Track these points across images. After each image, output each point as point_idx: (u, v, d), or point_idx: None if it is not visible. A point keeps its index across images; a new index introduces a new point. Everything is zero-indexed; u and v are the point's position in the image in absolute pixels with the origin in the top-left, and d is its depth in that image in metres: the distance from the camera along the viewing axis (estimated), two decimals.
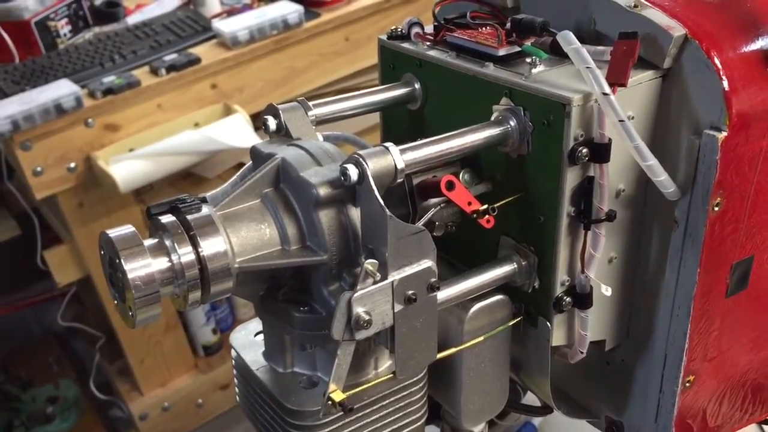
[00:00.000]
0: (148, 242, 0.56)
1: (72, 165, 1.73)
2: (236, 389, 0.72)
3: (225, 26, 1.90)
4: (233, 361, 0.71)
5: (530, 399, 0.85)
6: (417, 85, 0.73)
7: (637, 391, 0.74)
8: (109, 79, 1.75)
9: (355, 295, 0.56)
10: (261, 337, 0.70)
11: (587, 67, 0.58)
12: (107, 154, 1.75)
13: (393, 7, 2.11)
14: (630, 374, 0.74)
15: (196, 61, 1.83)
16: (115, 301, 0.58)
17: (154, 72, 1.80)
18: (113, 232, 0.56)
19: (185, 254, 0.56)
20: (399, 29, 0.74)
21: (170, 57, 1.84)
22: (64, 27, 2.00)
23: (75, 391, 2.07)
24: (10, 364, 2.17)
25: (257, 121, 1.93)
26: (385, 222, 0.56)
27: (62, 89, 1.69)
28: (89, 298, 2.02)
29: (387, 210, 0.56)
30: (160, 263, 0.55)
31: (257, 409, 0.68)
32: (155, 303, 0.55)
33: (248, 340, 0.70)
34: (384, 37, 0.76)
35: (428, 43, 0.72)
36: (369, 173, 0.56)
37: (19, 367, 2.15)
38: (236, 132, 1.84)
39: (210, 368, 2.08)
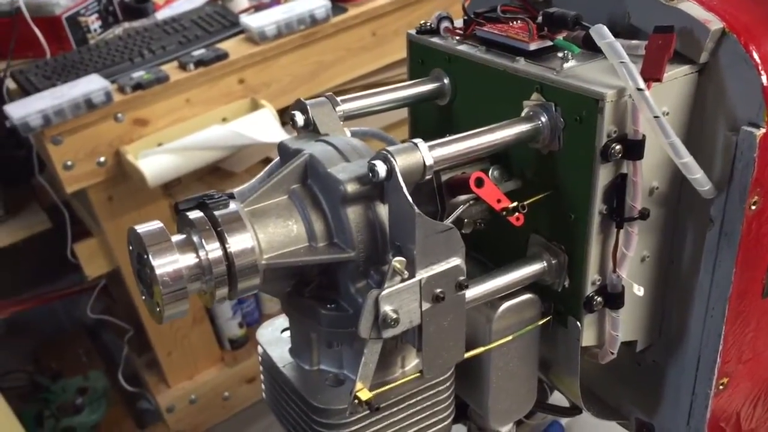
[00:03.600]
0: (176, 238, 0.56)
1: (102, 159, 1.75)
2: (262, 385, 0.72)
3: (252, 21, 1.91)
4: (260, 357, 0.70)
5: (557, 398, 0.84)
6: (446, 81, 0.72)
7: (669, 392, 0.73)
8: (138, 75, 1.77)
9: (383, 293, 0.56)
10: (287, 333, 0.69)
11: (621, 62, 0.57)
12: (136, 148, 1.76)
13: (420, 2, 2.10)
14: (662, 375, 0.73)
15: (224, 56, 1.84)
16: (143, 297, 0.58)
17: (183, 67, 1.81)
18: (141, 228, 0.55)
19: (213, 250, 0.56)
20: (428, 23, 0.73)
21: (198, 52, 1.85)
22: (94, 22, 2.02)
23: (104, 383, 2.10)
24: (40, 356, 2.20)
25: (284, 116, 1.94)
26: (413, 219, 0.55)
27: (92, 84, 1.71)
28: (118, 290, 2.05)
29: (415, 207, 0.55)
30: (188, 259, 0.55)
31: (283, 405, 0.67)
32: (183, 299, 0.55)
33: (275, 337, 0.70)
34: (413, 31, 0.75)
35: (458, 38, 0.71)
36: (397, 170, 0.56)
37: (50, 359, 2.18)
38: (263, 127, 1.84)
39: (236, 362, 2.09)
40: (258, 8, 2.05)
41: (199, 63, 1.81)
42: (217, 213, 0.57)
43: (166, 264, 0.54)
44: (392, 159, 0.56)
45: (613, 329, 0.66)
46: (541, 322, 0.68)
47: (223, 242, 0.56)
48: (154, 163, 1.74)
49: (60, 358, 2.19)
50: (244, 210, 0.58)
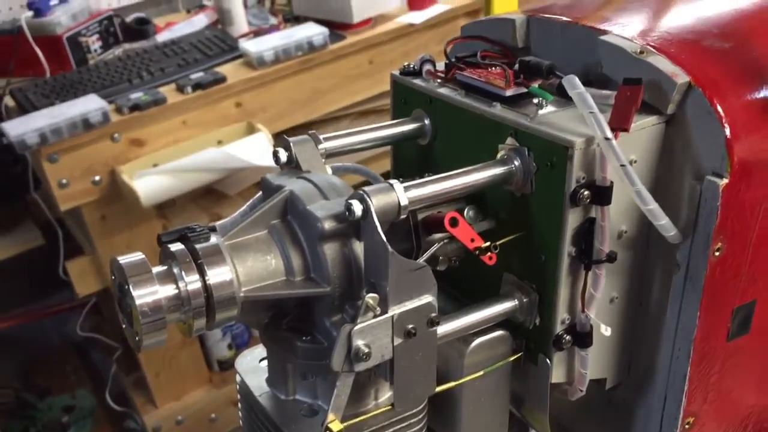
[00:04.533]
0: (157, 269, 0.58)
1: (97, 178, 1.77)
2: (239, 413, 0.73)
3: (251, 46, 1.94)
4: (237, 386, 0.72)
5: None
6: (427, 121, 0.74)
7: (637, 430, 0.75)
8: (137, 96, 1.80)
9: (356, 327, 0.58)
10: (265, 363, 0.71)
11: (590, 112, 0.59)
12: (131, 168, 1.79)
13: (416, 32, 2.13)
14: (630, 414, 0.75)
15: (222, 79, 1.87)
16: (123, 325, 0.60)
17: (180, 89, 1.84)
18: (123, 259, 0.57)
19: (192, 282, 0.58)
20: (411, 65, 0.76)
21: (197, 75, 1.88)
22: (94, 43, 2.05)
23: (91, 402, 2.10)
24: (28, 373, 2.20)
25: (280, 140, 1.96)
26: (386, 258, 0.57)
27: (90, 104, 1.73)
28: (108, 309, 2.06)
29: (389, 246, 0.57)
30: (168, 290, 0.57)
31: None
32: (161, 329, 0.57)
33: (253, 366, 0.72)
34: (396, 72, 0.77)
35: (439, 81, 0.73)
36: (372, 209, 0.58)
37: (37, 376, 2.19)
38: (258, 150, 1.86)
39: (224, 383, 2.10)
40: (257, 33, 2.09)
41: (197, 86, 1.84)
42: (198, 246, 0.59)
43: (145, 295, 0.56)
44: (368, 199, 0.58)
45: (582, 367, 0.68)
46: (512, 358, 0.70)
47: (202, 274, 0.58)
48: (149, 183, 1.76)
49: (48, 375, 2.19)
50: (225, 244, 0.60)
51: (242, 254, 0.61)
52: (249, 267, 0.61)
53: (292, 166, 0.68)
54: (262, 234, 0.63)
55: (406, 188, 0.60)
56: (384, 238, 0.57)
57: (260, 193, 0.68)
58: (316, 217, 0.60)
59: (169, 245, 0.59)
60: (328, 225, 0.60)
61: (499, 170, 0.64)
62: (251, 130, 1.93)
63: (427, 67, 0.74)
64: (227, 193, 2.00)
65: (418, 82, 0.75)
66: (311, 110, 2.05)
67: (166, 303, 0.57)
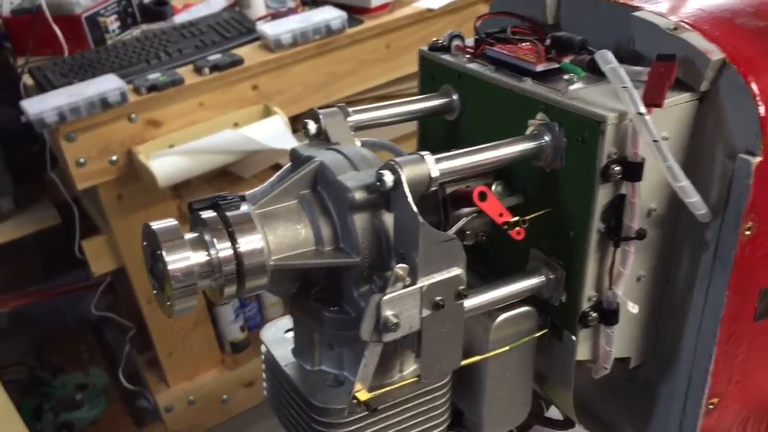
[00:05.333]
0: (189, 236, 0.58)
1: (114, 158, 1.77)
2: (264, 384, 0.74)
3: (269, 29, 1.93)
4: (263, 356, 0.73)
5: (553, 413, 0.85)
6: (455, 97, 0.74)
7: (660, 410, 0.75)
8: (154, 76, 1.80)
9: (385, 297, 0.58)
10: (291, 334, 0.71)
11: (623, 87, 0.59)
12: (148, 149, 1.79)
13: (434, 17, 2.12)
14: (653, 393, 0.75)
15: (239, 61, 1.86)
16: (154, 291, 0.61)
17: (198, 71, 1.84)
18: (156, 225, 0.58)
19: (223, 249, 0.58)
20: (440, 41, 0.76)
21: (214, 57, 1.88)
22: (113, 23, 2.05)
23: (104, 380, 2.11)
24: (42, 350, 2.22)
25: (296, 124, 1.96)
26: (417, 228, 0.57)
27: (108, 84, 1.73)
28: (123, 289, 2.07)
29: (419, 217, 0.57)
30: (199, 257, 0.58)
31: (284, 404, 0.69)
32: (193, 294, 0.57)
33: (278, 337, 0.72)
34: (425, 48, 0.77)
35: (468, 56, 0.73)
36: (404, 180, 0.58)
37: (51, 354, 2.20)
38: (274, 133, 1.86)
39: (236, 365, 2.11)
40: (275, 16, 2.08)
41: (215, 68, 1.84)
42: (229, 214, 0.59)
43: (178, 260, 0.56)
44: (399, 169, 0.58)
45: (607, 345, 0.68)
46: (537, 335, 0.70)
47: (233, 242, 0.58)
48: (165, 164, 1.77)
49: (61, 353, 2.21)
50: (255, 212, 0.61)
51: (272, 223, 0.61)
52: (279, 236, 0.61)
53: (321, 138, 0.68)
54: (292, 204, 0.63)
55: (437, 160, 0.60)
56: (415, 209, 0.57)
57: (289, 164, 0.68)
58: (346, 187, 0.60)
59: (201, 212, 0.59)
60: (358, 195, 0.60)
61: (529, 145, 0.64)
62: (267, 112, 1.93)
63: (456, 42, 0.74)
64: (242, 176, 2.00)
65: (446, 57, 0.75)
66: (327, 94, 2.04)
67: (197, 269, 0.57)
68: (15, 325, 2.23)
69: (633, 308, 0.65)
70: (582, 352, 0.69)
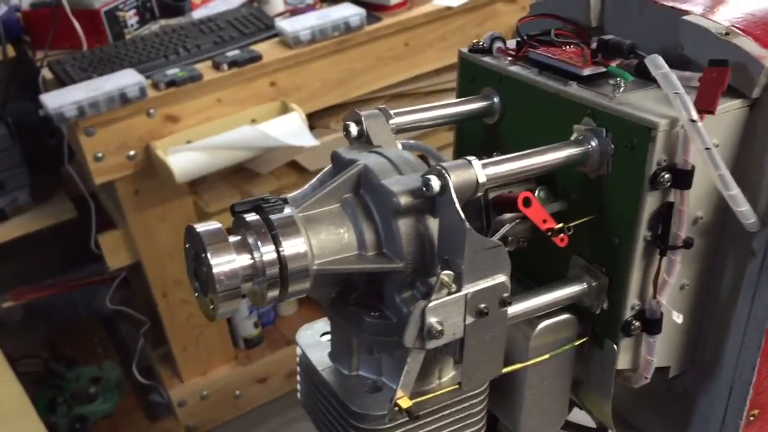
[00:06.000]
0: (233, 239, 0.58)
1: (131, 153, 1.77)
2: (298, 386, 0.73)
3: (287, 25, 1.93)
4: (297, 359, 0.72)
5: (575, 416, 0.84)
6: (496, 100, 0.73)
7: (698, 421, 0.74)
8: (173, 72, 1.79)
9: (430, 304, 0.57)
10: (327, 337, 0.71)
11: (676, 93, 0.58)
12: (165, 144, 1.78)
13: (453, 15, 2.11)
14: (692, 404, 0.74)
15: (258, 58, 1.86)
16: (196, 294, 0.60)
17: (217, 67, 1.84)
18: (201, 227, 0.57)
19: (267, 253, 0.57)
20: (480, 43, 0.75)
21: (232, 53, 1.87)
22: (131, 18, 2.05)
23: (118, 374, 2.11)
24: (57, 343, 2.22)
25: (313, 120, 1.95)
26: (463, 234, 0.56)
27: (128, 79, 1.73)
28: (138, 283, 2.07)
29: (467, 223, 0.56)
30: (243, 260, 0.57)
31: (319, 408, 0.69)
32: (236, 298, 0.56)
33: (314, 340, 0.71)
34: (465, 50, 0.76)
35: (510, 58, 0.72)
36: (451, 185, 0.57)
37: (65, 347, 2.20)
38: (292, 130, 1.86)
39: (249, 361, 2.11)
40: (293, 13, 2.07)
41: (233, 64, 1.83)
42: (272, 216, 0.59)
43: (223, 263, 0.56)
44: (446, 174, 0.57)
45: (648, 354, 0.67)
46: (577, 343, 0.69)
47: (277, 245, 0.58)
48: (183, 159, 1.76)
49: (75, 346, 2.21)
50: (299, 215, 0.60)
51: (315, 227, 0.60)
52: (322, 240, 0.60)
53: (362, 141, 0.68)
54: (335, 207, 0.62)
55: (484, 165, 0.59)
56: (462, 215, 0.57)
57: (329, 166, 0.67)
58: (391, 192, 0.59)
59: (245, 215, 0.59)
60: (403, 200, 0.59)
61: (575, 150, 0.63)
62: (285, 109, 1.92)
63: (498, 44, 0.73)
64: (259, 172, 2.00)
65: (487, 59, 0.74)
66: (345, 91, 2.04)
67: (241, 272, 0.56)
68: (30, 317, 2.23)
69: (678, 318, 0.64)
70: (623, 361, 0.68)
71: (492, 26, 2.15)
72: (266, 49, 1.91)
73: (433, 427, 0.66)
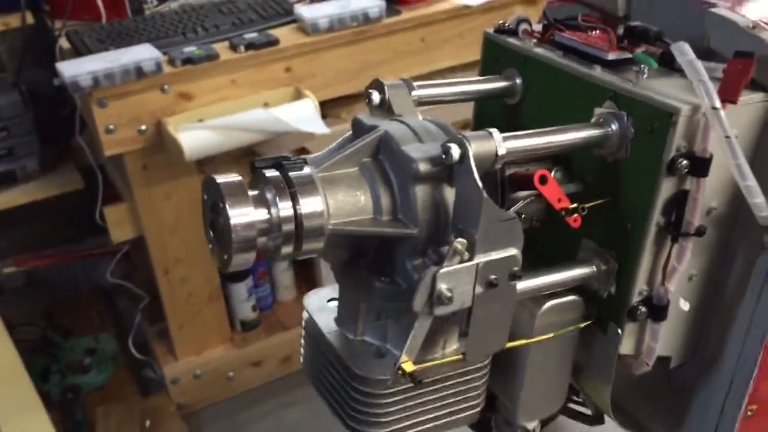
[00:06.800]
0: (251, 192, 0.58)
1: (143, 127, 1.77)
2: (301, 350, 0.73)
3: (307, 12, 1.93)
4: (303, 323, 0.72)
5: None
6: (518, 80, 0.74)
7: (696, 413, 0.74)
8: (190, 49, 1.79)
9: (441, 270, 0.57)
10: (333, 303, 0.71)
11: (700, 80, 0.59)
12: (177, 121, 1.79)
13: (471, 14, 2.11)
14: (690, 395, 0.74)
15: (275, 42, 1.86)
16: (210, 245, 0.60)
17: (234, 48, 1.84)
18: (221, 178, 0.58)
19: (285, 209, 0.58)
20: (506, 24, 0.75)
21: (250, 35, 1.87)
22: None
23: (113, 347, 2.12)
24: (54, 313, 2.22)
25: (325, 110, 1.95)
26: (479, 203, 0.57)
27: (145, 53, 1.73)
28: (139, 258, 2.07)
29: (484, 192, 0.57)
30: (260, 213, 0.57)
31: (322, 371, 0.69)
32: (251, 250, 0.57)
33: (321, 305, 0.72)
34: (490, 30, 0.77)
35: (535, 41, 0.73)
36: (471, 154, 0.58)
37: (63, 317, 2.20)
38: (304, 116, 1.86)
39: (245, 343, 2.11)
40: (313, 0, 2.08)
41: (250, 46, 1.84)
42: (292, 174, 0.59)
43: (240, 214, 0.56)
44: (467, 143, 0.58)
45: (652, 341, 0.67)
46: (582, 325, 0.69)
47: (295, 202, 0.58)
48: (194, 137, 1.76)
49: (72, 317, 2.21)
50: (318, 175, 0.60)
51: (333, 188, 0.61)
52: (339, 200, 0.60)
53: (383, 110, 0.68)
54: (353, 170, 0.63)
55: (504, 138, 0.60)
56: (480, 184, 0.57)
57: (349, 132, 0.68)
58: (411, 158, 0.60)
59: (265, 171, 0.59)
60: (422, 167, 0.60)
61: (595, 132, 0.64)
62: (298, 95, 1.93)
63: (524, 26, 0.74)
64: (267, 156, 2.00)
65: (512, 40, 0.74)
66: (359, 82, 2.03)
67: (258, 225, 0.57)
68: (30, 285, 2.23)
69: (684, 305, 0.65)
70: (626, 347, 0.68)
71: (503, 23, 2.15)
72: (284, 34, 1.91)
73: (433, 397, 0.67)
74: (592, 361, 0.72)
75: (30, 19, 2.00)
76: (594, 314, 0.70)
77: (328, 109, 2.03)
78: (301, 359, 0.74)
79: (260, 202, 0.58)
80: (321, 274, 2.25)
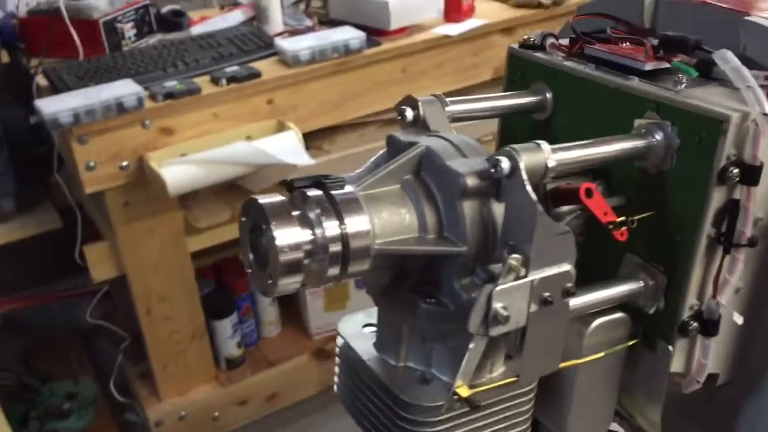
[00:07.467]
0: (295, 213, 0.55)
1: (124, 163, 1.74)
2: (335, 378, 0.70)
3: (288, 44, 1.92)
4: (337, 350, 0.69)
5: None
6: (548, 95, 0.72)
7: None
8: (171, 84, 1.77)
9: (497, 289, 0.55)
10: (369, 329, 0.68)
11: (748, 86, 0.58)
12: (160, 156, 1.75)
13: (451, 44, 2.13)
14: (735, 414, 0.72)
15: (257, 75, 1.85)
16: (249, 270, 0.57)
17: (215, 81, 1.82)
18: (263, 199, 0.55)
19: (330, 228, 0.55)
20: (531, 39, 0.74)
21: (231, 69, 1.86)
22: (129, 30, 2.03)
23: (94, 390, 2.04)
24: (31, 356, 2.14)
25: (307, 141, 1.93)
26: (534, 218, 0.55)
27: (126, 89, 1.70)
28: (121, 297, 2.01)
29: (539, 205, 0.55)
30: (305, 234, 0.54)
31: (361, 399, 0.65)
32: (298, 272, 0.54)
33: (356, 330, 0.68)
34: (515, 45, 0.75)
35: (563, 54, 0.72)
36: (522, 167, 0.56)
37: (41, 360, 2.12)
38: (287, 148, 1.84)
39: (230, 382, 2.06)
40: (293, 33, 2.07)
41: (232, 79, 1.82)
42: (334, 192, 0.56)
43: (286, 235, 0.53)
44: (517, 156, 0.56)
45: (703, 357, 0.65)
46: (630, 343, 0.67)
47: (340, 221, 0.55)
48: (177, 172, 1.73)
49: (51, 360, 2.13)
50: (360, 193, 0.58)
51: (376, 206, 0.58)
52: (384, 219, 0.58)
53: (417, 126, 0.66)
54: (395, 188, 0.60)
55: (553, 150, 0.58)
56: (533, 197, 0.55)
57: (384, 150, 0.65)
58: (458, 173, 0.58)
59: (306, 190, 0.56)
60: (470, 181, 0.57)
61: (639, 143, 0.62)
62: (281, 127, 1.91)
63: (551, 40, 0.73)
64: (251, 190, 1.96)
65: (539, 55, 0.73)
66: (341, 113, 2.03)
67: (304, 246, 0.54)
68: (6, 328, 2.15)
69: (738, 319, 0.63)
70: (676, 364, 0.66)
71: (488, 56, 2.17)
72: (265, 67, 1.90)
73: (480, 424, 0.63)
74: (637, 381, 0.69)
75: (5, 57, 1.95)
76: (639, 332, 0.68)
77: (310, 140, 2.01)
78: (335, 387, 0.70)
79: (304, 222, 0.55)
80: (306, 309, 2.21)
